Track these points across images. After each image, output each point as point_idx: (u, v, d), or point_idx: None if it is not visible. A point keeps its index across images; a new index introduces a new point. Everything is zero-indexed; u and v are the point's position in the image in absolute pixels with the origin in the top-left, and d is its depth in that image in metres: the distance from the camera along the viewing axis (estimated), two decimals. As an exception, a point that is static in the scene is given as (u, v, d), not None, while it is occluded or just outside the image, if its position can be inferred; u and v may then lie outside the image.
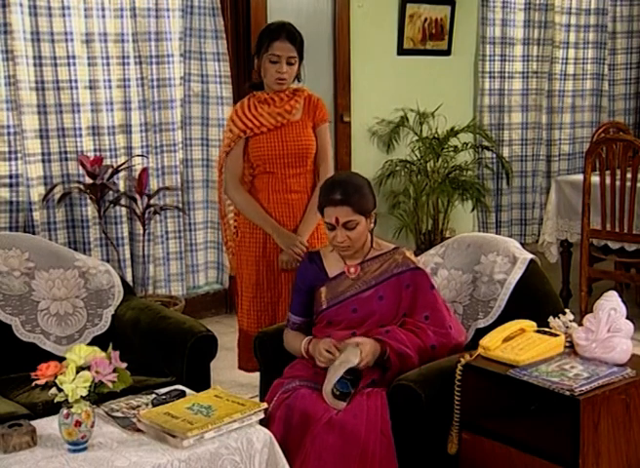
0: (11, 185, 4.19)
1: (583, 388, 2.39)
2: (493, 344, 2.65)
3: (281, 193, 3.45)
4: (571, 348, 2.68)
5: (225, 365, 4.20)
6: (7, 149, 4.15)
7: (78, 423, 2.22)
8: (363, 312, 2.87)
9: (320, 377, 2.76)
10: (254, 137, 3.45)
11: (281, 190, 3.45)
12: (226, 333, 4.80)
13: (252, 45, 5.02)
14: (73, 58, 4.30)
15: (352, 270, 2.91)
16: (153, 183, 4.65)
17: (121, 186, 4.50)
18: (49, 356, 3.01)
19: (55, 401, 2.24)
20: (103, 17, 4.41)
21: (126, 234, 4.57)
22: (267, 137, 3.43)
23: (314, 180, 3.51)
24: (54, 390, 2.24)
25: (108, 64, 4.46)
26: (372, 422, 2.60)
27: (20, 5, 4.11)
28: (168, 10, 4.64)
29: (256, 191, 3.51)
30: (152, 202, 4.41)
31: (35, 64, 4.22)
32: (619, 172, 4.73)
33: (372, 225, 2.91)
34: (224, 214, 3.70)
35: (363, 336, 2.79)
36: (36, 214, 4.23)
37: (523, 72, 6.48)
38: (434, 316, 2.86)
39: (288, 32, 3.39)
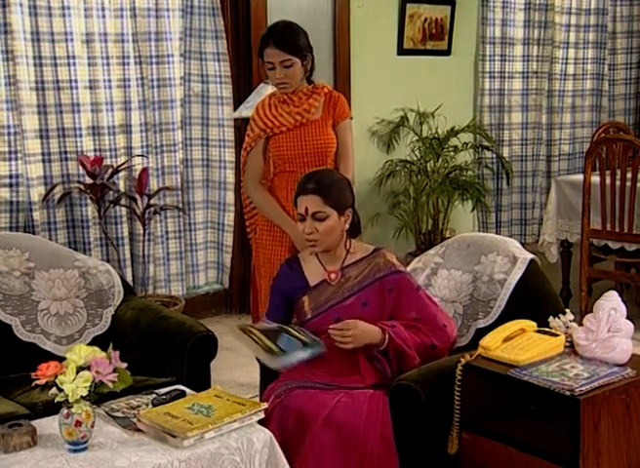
0: (11, 185, 4.19)
1: (584, 388, 2.39)
2: (493, 344, 2.65)
3: None
4: (571, 348, 2.68)
5: (225, 365, 4.21)
6: (7, 149, 4.15)
7: (78, 423, 2.22)
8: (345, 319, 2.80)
9: (315, 376, 2.74)
10: (273, 137, 3.43)
11: None
12: (226, 333, 4.77)
13: (252, 45, 5.05)
14: (73, 58, 4.30)
15: (333, 276, 2.86)
16: (153, 183, 4.65)
17: (121, 186, 4.49)
18: (49, 356, 3.01)
19: (55, 401, 2.24)
20: (103, 17, 4.41)
21: (126, 234, 4.57)
22: (287, 137, 3.41)
23: None
24: (54, 390, 2.24)
25: (108, 64, 4.46)
26: (371, 423, 2.59)
27: (20, 5, 4.11)
28: (168, 10, 4.64)
29: (275, 190, 3.49)
30: (152, 202, 4.41)
31: (35, 64, 4.22)
32: (619, 172, 4.73)
33: (346, 226, 2.85)
34: (249, 215, 3.68)
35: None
36: (36, 214, 4.23)
37: (523, 72, 6.47)
38: (425, 317, 2.83)
39: (276, 38, 3.34)
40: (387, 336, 2.72)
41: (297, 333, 2.69)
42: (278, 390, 2.74)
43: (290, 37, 3.38)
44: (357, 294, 2.83)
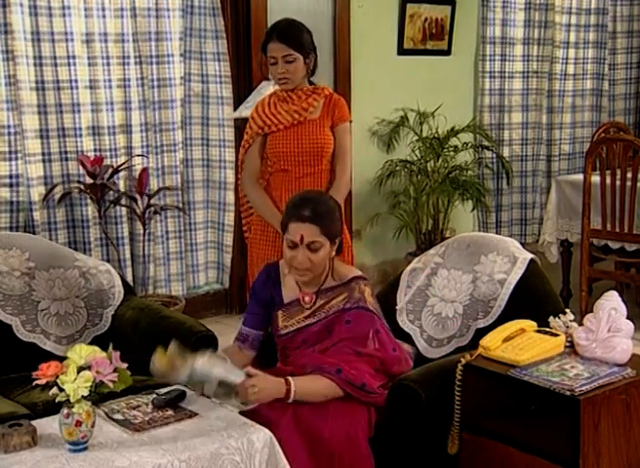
0: (11, 185, 4.19)
1: (584, 388, 2.39)
2: (493, 344, 2.65)
3: (294, 192, 3.42)
4: (571, 348, 2.68)
5: (225, 365, 4.19)
6: (7, 149, 4.16)
7: (79, 423, 2.22)
8: (311, 344, 2.75)
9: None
10: (271, 135, 3.45)
11: (294, 189, 3.43)
12: (226, 333, 4.78)
13: (252, 45, 5.05)
14: (73, 58, 4.30)
15: (307, 299, 2.78)
16: (153, 183, 4.65)
17: (121, 186, 4.50)
18: (49, 356, 3.01)
19: (56, 401, 2.24)
20: (103, 17, 4.41)
21: (126, 234, 4.57)
22: (284, 135, 3.43)
23: (330, 180, 3.49)
24: (55, 390, 2.24)
25: (108, 64, 4.46)
26: (338, 423, 2.54)
27: (20, 5, 4.11)
28: (168, 10, 4.65)
29: (271, 189, 3.51)
30: (152, 202, 4.41)
31: (35, 64, 4.22)
32: (619, 171, 4.73)
33: (333, 252, 2.77)
34: (246, 214, 3.69)
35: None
36: (36, 214, 4.23)
37: (523, 72, 6.48)
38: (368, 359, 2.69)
39: (279, 32, 3.38)
40: (292, 390, 2.54)
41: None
42: None
43: (293, 33, 3.41)
44: (324, 321, 2.76)
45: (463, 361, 2.63)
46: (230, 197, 4.95)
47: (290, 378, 2.57)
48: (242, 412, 2.54)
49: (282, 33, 3.38)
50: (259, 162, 3.52)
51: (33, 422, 2.37)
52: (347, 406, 2.62)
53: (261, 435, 2.37)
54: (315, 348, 2.74)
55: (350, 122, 3.56)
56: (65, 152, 4.37)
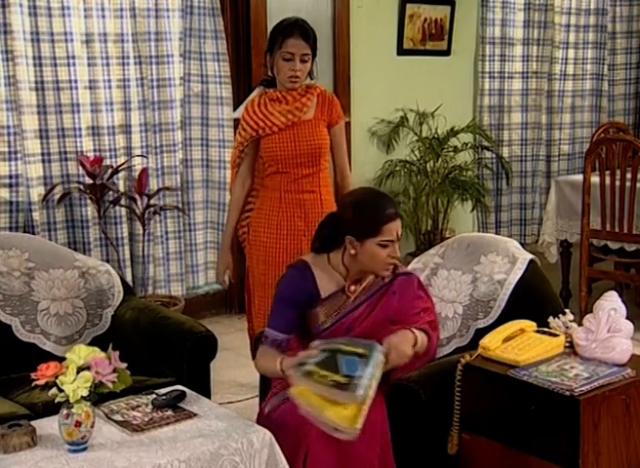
0: (11, 185, 4.19)
1: (583, 388, 2.40)
2: (493, 344, 2.65)
3: (293, 193, 3.41)
4: (571, 348, 2.68)
5: (225, 365, 4.21)
6: (7, 149, 4.16)
7: (78, 423, 2.22)
8: (356, 331, 2.69)
9: None
10: (265, 137, 3.40)
11: (293, 190, 3.41)
12: (226, 334, 4.80)
13: (251, 45, 5.05)
14: (73, 58, 4.30)
15: (352, 288, 2.73)
16: (153, 183, 4.65)
17: (121, 186, 4.50)
18: (49, 356, 3.01)
19: (55, 401, 2.24)
20: (103, 17, 4.41)
21: (126, 234, 4.57)
22: (279, 137, 3.38)
23: (327, 178, 3.48)
24: (54, 390, 2.24)
25: (108, 64, 4.46)
26: (372, 439, 2.51)
27: (20, 5, 4.11)
28: (168, 10, 4.65)
29: (268, 190, 3.47)
30: (152, 202, 4.41)
31: (35, 64, 4.22)
32: (618, 172, 4.73)
33: None
34: (242, 216, 3.68)
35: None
36: (36, 215, 4.23)
37: (523, 72, 6.48)
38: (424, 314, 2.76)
39: (301, 29, 3.35)
40: (418, 339, 2.60)
41: (349, 348, 2.48)
42: (270, 404, 2.66)
43: (312, 33, 3.40)
44: (365, 303, 2.73)
45: (463, 361, 2.63)
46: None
47: (414, 329, 2.61)
48: (273, 415, 2.56)
49: (304, 31, 3.35)
50: (252, 165, 3.50)
51: (33, 422, 2.37)
52: (377, 411, 2.52)
53: (261, 436, 2.37)
54: (369, 320, 2.71)
55: (345, 121, 3.55)
56: (65, 152, 4.37)
